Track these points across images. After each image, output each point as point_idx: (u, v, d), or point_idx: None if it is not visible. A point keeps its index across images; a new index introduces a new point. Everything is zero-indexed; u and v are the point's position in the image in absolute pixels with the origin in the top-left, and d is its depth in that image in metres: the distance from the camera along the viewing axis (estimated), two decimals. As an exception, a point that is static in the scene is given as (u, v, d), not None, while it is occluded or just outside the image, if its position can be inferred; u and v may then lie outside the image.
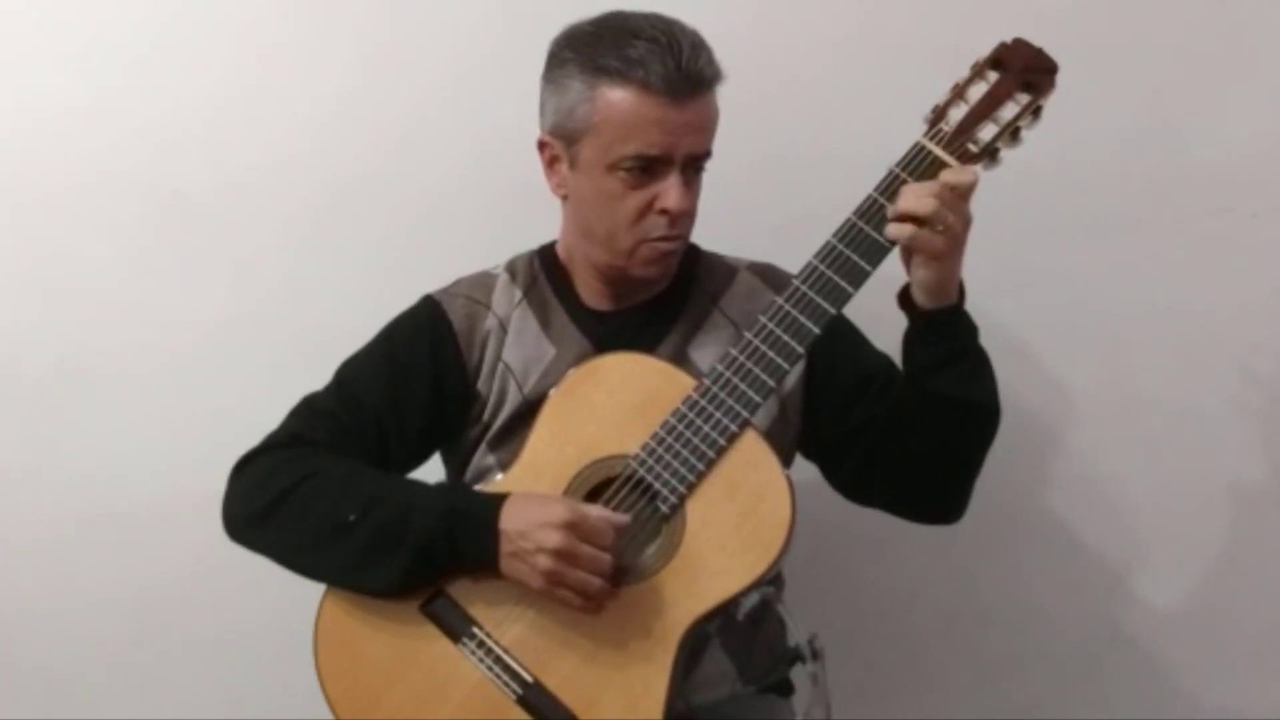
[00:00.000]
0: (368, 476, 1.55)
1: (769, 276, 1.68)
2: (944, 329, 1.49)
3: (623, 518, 1.45)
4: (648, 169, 1.51)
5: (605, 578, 1.44)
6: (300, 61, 2.03)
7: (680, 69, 1.47)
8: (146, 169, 2.05)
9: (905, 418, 1.53)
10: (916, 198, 1.41)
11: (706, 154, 1.55)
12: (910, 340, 1.52)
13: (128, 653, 2.12)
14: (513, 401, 1.61)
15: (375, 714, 1.49)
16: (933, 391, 1.50)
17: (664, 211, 1.53)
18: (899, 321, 1.53)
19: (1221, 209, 1.99)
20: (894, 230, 1.43)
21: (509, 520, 1.46)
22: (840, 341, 1.60)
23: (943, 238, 1.42)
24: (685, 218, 1.56)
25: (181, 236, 2.06)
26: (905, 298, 1.50)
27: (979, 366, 1.52)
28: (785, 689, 1.69)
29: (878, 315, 1.65)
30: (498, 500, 1.48)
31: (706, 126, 1.54)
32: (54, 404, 2.08)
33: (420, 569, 1.49)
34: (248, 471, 1.58)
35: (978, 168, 1.45)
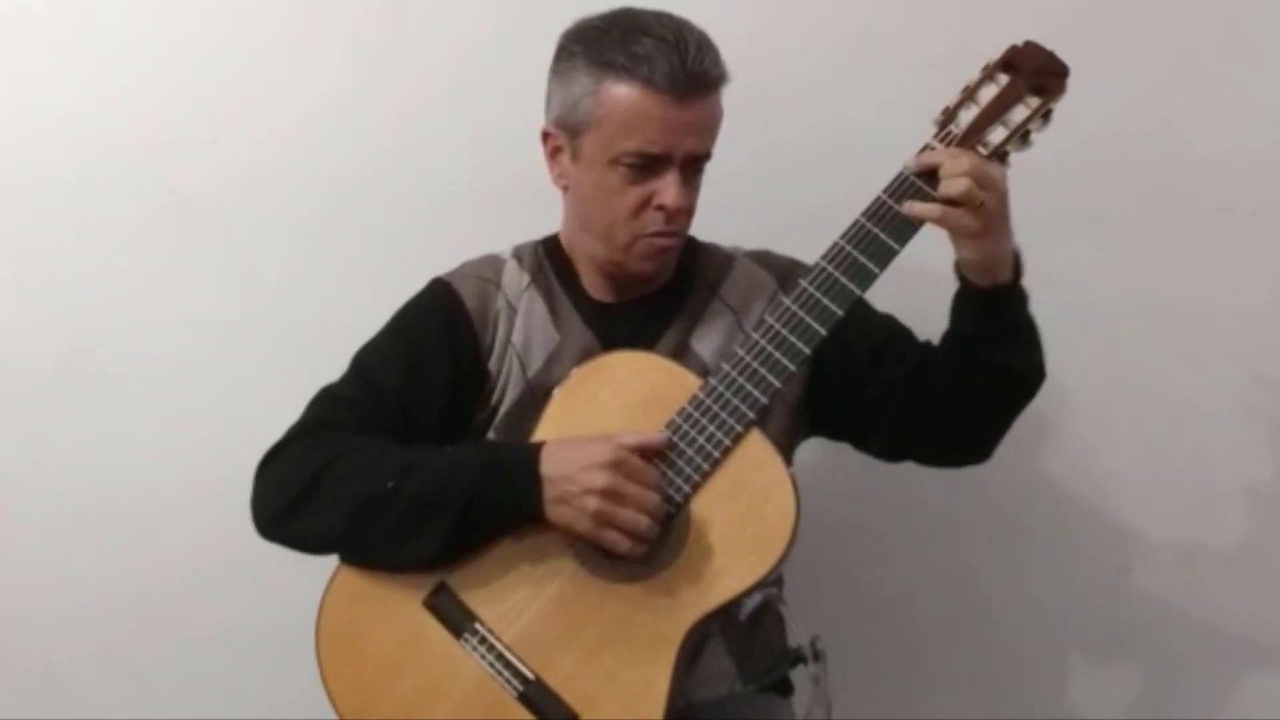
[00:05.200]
0: (399, 448, 1.54)
1: (767, 261, 1.69)
2: (993, 306, 1.49)
3: (661, 436, 1.45)
4: (647, 166, 1.52)
5: (654, 517, 1.43)
6: (299, 60, 2.03)
7: (685, 68, 1.48)
8: (146, 168, 2.04)
9: (947, 381, 1.53)
10: (951, 177, 1.40)
11: (707, 155, 1.56)
12: (959, 309, 1.52)
13: (128, 652, 2.12)
14: (517, 386, 1.62)
15: (377, 709, 1.49)
16: (979, 361, 1.50)
17: (660, 208, 1.53)
18: (917, 311, 1.53)
19: (1222, 208, 2.00)
20: (919, 208, 1.41)
21: (551, 466, 1.45)
22: (848, 318, 1.57)
23: (974, 217, 1.40)
24: (682, 215, 1.56)
25: (181, 236, 2.06)
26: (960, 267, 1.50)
27: (1027, 335, 1.53)
28: (785, 689, 1.70)
29: (895, 308, 1.66)
30: (536, 448, 1.47)
31: (709, 127, 1.54)
32: (54, 403, 2.08)
33: (466, 528, 1.47)
34: (273, 467, 1.56)
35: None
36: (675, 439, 1.47)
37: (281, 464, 1.55)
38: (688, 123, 1.50)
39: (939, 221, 1.42)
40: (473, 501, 1.46)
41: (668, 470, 1.46)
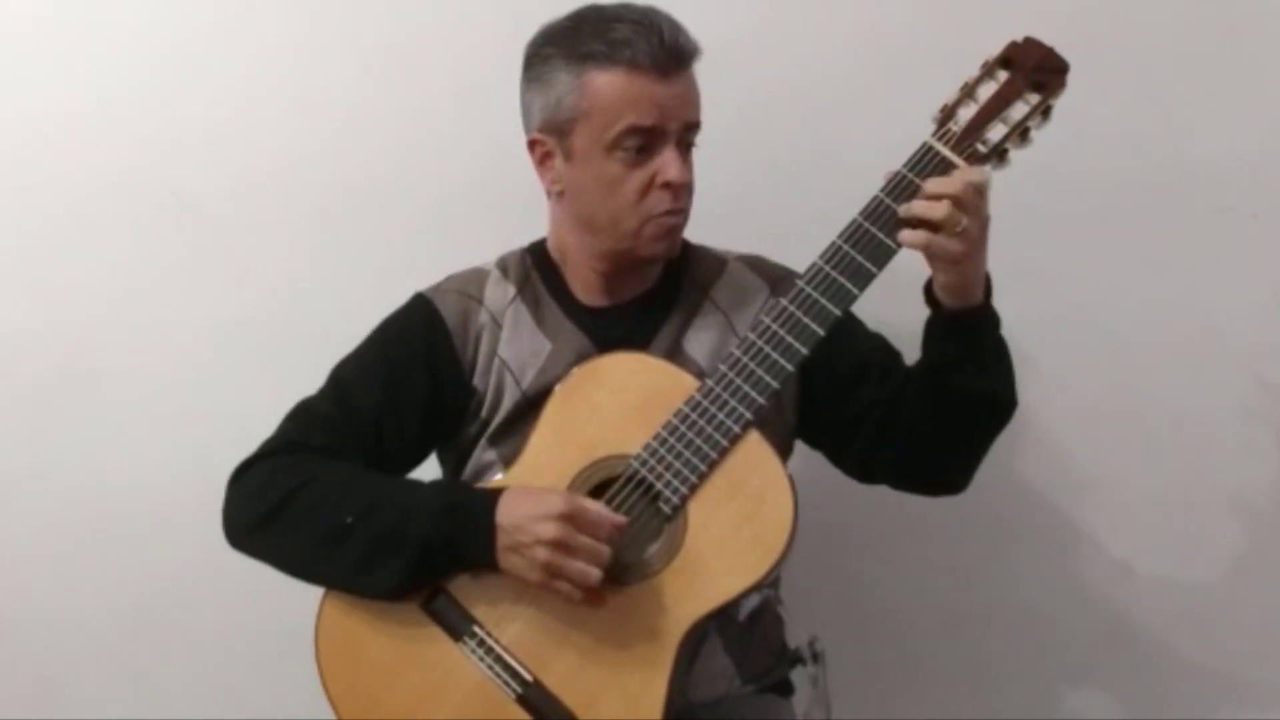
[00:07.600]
0: (365, 480, 1.55)
1: (759, 267, 1.69)
2: (967, 329, 1.48)
3: (620, 518, 1.45)
4: (644, 147, 1.52)
5: (603, 569, 1.44)
6: (304, 65, 2.03)
7: (664, 45, 1.50)
8: (149, 172, 2.04)
9: (920, 407, 1.53)
10: (929, 203, 1.40)
11: (697, 124, 1.56)
12: (932, 333, 1.51)
13: (128, 653, 2.12)
14: (511, 398, 1.61)
15: (376, 712, 1.50)
16: (951, 386, 1.49)
17: (666, 185, 1.53)
18: (904, 322, 1.53)
19: (1222, 209, 1.99)
20: (908, 237, 1.41)
21: (505, 514, 1.46)
22: (836, 332, 1.58)
23: (958, 241, 1.40)
24: (686, 190, 1.56)
25: (184, 240, 2.06)
26: (930, 290, 1.49)
27: (998, 359, 1.52)
28: (785, 689, 1.70)
29: (883, 317, 1.66)
30: (494, 495, 1.48)
31: (694, 99, 1.55)
32: (55, 405, 2.08)
33: (422, 570, 1.49)
34: (245, 479, 1.57)
35: (986, 168, 1.44)
36: (673, 440, 1.47)
37: (251, 480, 1.57)
38: (676, 95, 1.52)
39: (924, 247, 1.41)
40: (428, 546, 1.48)
41: (665, 471, 1.46)
